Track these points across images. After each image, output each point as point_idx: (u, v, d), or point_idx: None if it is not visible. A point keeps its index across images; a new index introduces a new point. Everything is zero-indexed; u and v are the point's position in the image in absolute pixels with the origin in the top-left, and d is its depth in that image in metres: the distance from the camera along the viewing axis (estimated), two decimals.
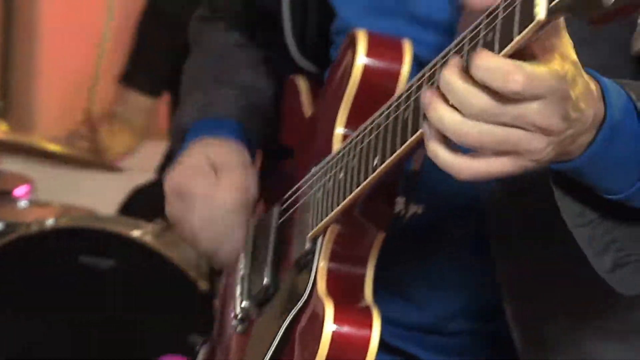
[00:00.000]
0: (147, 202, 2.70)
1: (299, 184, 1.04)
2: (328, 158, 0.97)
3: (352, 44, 0.94)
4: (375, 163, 0.85)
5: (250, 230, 1.12)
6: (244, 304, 1.09)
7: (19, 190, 2.66)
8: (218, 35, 1.24)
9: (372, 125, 0.87)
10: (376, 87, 0.92)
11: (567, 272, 0.93)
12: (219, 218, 1.07)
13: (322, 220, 0.95)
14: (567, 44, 0.71)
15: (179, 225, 1.11)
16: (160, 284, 2.37)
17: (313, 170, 1.00)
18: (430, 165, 0.77)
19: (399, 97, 0.83)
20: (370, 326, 0.91)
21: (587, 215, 0.82)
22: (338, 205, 0.92)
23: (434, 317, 1.02)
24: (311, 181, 1.00)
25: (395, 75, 0.92)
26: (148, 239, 2.36)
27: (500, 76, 0.67)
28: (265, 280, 1.05)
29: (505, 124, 0.69)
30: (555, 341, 0.96)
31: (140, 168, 2.97)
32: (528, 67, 0.67)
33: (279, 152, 1.16)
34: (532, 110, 0.69)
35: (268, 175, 1.16)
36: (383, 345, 0.94)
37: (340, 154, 0.94)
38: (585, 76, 0.74)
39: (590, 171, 0.78)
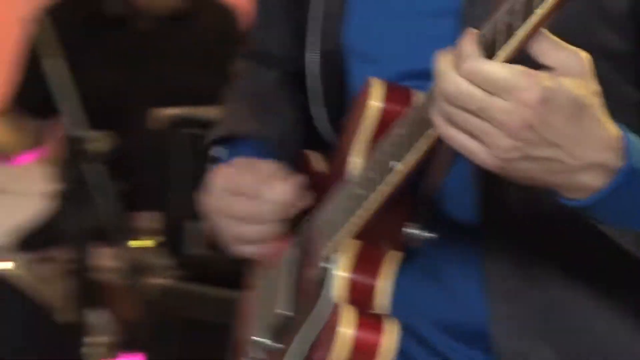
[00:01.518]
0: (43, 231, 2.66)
1: (310, 217, 1.12)
2: (341, 183, 1.04)
3: (367, 89, 1.02)
4: (393, 166, 0.92)
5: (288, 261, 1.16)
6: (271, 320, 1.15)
7: None
8: (267, 73, 1.29)
9: (386, 141, 0.96)
10: (386, 126, 0.99)
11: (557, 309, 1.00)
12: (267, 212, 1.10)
13: (341, 233, 1.01)
14: (587, 77, 0.77)
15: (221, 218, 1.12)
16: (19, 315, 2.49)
17: (335, 198, 1.07)
18: (446, 195, 0.97)
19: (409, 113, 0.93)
20: (380, 332, 0.99)
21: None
22: (359, 217, 0.98)
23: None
24: (323, 209, 1.09)
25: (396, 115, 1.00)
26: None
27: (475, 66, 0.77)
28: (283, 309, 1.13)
29: (472, 112, 0.77)
30: None
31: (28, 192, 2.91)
32: (501, 68, 0.76)
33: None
34: (496, 105, 0.76)
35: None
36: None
37: (357, 173, 1.01)
38: (606, 125, 0.80)
39: (601, 213, 0.85)
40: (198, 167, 1.22)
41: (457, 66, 0.78)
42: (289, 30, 1.21)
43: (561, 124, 0.77)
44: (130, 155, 2.49)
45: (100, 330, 2.28)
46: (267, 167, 1.10)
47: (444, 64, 0.80)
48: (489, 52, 0.78)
